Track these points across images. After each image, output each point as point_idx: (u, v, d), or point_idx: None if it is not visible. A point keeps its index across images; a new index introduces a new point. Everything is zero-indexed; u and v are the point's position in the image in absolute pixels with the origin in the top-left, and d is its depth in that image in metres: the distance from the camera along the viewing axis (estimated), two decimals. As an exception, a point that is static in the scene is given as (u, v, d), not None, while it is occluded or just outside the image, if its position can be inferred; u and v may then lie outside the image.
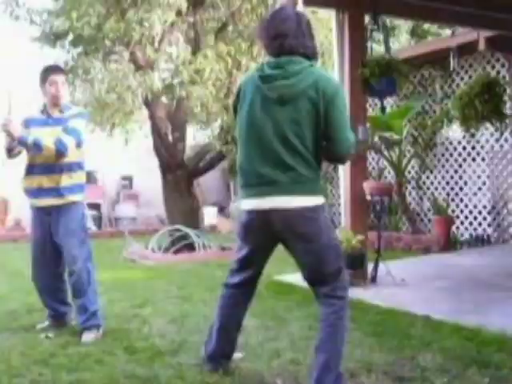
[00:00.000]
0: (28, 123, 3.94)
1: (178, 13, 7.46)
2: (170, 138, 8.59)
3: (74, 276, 3.81)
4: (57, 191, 3.80)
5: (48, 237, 3.85)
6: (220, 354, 3.01)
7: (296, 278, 5.29)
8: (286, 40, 2.66)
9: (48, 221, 3.84)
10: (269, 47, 2.74)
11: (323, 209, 2.68)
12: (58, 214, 3.81)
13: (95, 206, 12.00)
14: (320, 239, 2.63)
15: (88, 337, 3.70)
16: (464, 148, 8.09)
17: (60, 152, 3.71)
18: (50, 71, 3.97)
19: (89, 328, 3.76)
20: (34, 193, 3.84)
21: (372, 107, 8.54)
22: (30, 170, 3.86)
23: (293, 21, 2.69)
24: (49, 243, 3.87)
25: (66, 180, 3.81)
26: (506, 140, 7.62)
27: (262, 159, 2.63)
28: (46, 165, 3.78)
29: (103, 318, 3.90)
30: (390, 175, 8.72)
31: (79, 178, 3.89)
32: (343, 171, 5.52)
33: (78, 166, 3.90)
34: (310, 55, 2.72)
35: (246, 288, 2.96)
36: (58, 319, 4.05)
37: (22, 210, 11.12)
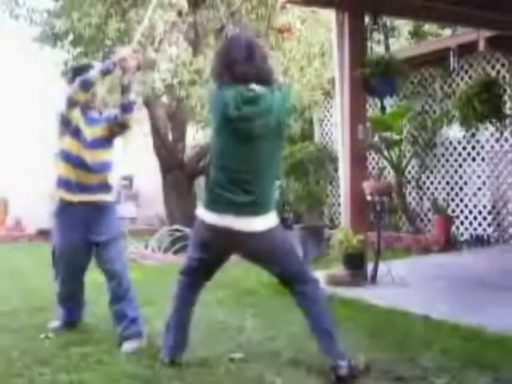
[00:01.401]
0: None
1: (179, 13, 7.47)
2: (170, 137, 8.59)
3: (114, 280, 3.66)
4: (106, 188, 3.73)
5: (84, 237, 3.72)
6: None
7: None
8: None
9: (85, 219, 3.68)
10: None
11: None
12: (99, 212, 3.70)
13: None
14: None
15: (128, 347, 3.48)
16: (464, 148, 8.08)
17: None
18: (82, 70, 3.68)
19: (129, 337, 3.55)
20: (81, 188, 3.66)
21: (372, 107, 8.54)
22: (83, 164, 3.64)
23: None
24: (84, 244, 3.74)
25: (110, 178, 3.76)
26: (506, 140, 7.62)
27: None
28: (98, 162, 3.67)
29: (144, 324, 3.72)
30: (389, 175, 8.72)
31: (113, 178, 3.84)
32: (343, 171, 5.53)
33: (112, 165, 3.82)
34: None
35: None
36: (73, 320, 3.98)
37: (21, 209, 11.15)
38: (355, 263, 5.16)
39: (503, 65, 7.57)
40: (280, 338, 3.59)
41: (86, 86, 3.45)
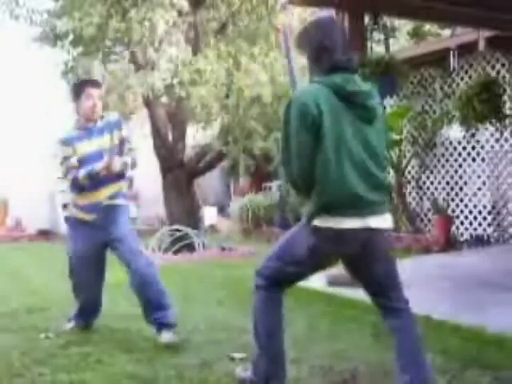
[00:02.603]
0: (69, 141, 3.75)
1: (179, 13, 7.47)
2: (170, 138, 8.60)
3: (137, 272, 3.64)
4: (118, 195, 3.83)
5: (98, 239, 3.77)
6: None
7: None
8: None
9: (97, 223, 3.74)
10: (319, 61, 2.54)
11: None
12: (109, 212, 3.75)
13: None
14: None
15: (168, 336, 3.50)
16: (464, 148, 8.08)
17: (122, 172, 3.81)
18: (85, 85, 3.79)
19: (167, 325, 3.55)
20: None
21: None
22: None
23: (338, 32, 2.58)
24: (99, 247, 3.79)
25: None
26: (506, 140, 7.62)
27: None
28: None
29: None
30: (389, 175, 8.72)
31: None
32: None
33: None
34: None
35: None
36: (89, 321, 3.98)
37: (21, 210, 11.16)
38: (355, 263, 5.15)
39: (503, 65, 7.57)
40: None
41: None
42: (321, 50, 2.51)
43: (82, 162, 3.66)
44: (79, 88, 3.77)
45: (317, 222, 2.47)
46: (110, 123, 3.79)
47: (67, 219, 3.94)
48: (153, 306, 3.61)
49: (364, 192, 2.44)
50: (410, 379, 2.46)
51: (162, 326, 3.57)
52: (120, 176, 3.81)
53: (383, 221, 2.54)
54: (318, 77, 2.52)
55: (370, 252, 2.55)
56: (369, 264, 2.59)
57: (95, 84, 3.85)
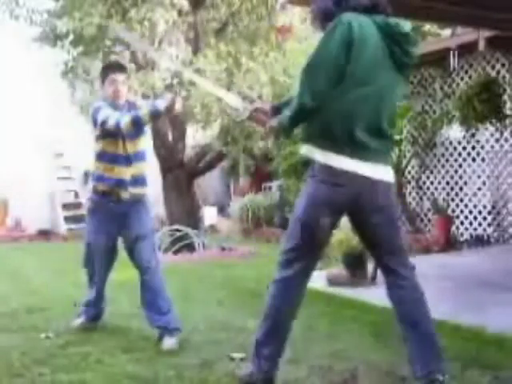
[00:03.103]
0: (104, 106, 3.59)
1: (179, 13, 7.47)
2: (170, 137, 8.59)
3: (147, 275, 3.66)
4: (142, 181, 3.73)
5: (117, 233, 3.76)
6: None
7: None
8: None
9: (119, 215, 3.69)
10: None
11: None
12: (134, 206, 3.70)
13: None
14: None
15: (170, 343, 3.48)
16: (464, 148, 8.08)
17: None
18: (109, 70, 3.70)
19: (170, 332, 3.55)
20: (126, 182, 3.65)
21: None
22: (115, 159, 3.64)
23: None
24: (115, 238, 3.78)
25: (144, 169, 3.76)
26: (506, 140, 7.61)
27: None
28: (133, 153, 3.66)
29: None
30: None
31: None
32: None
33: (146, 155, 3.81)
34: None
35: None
36: (97, 316, 4.00)
37: (22, 210, 11.16)
38: (355, 263, 5.16)
39: (503, 65, 7.57)
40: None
41: (119, 127, 3.41)
42: None
43: None
44: (103, 73, 3.70)
45: (317, 156, 2.45)
46: (135, 106, 3.70)
47: (89, 201, 3.86)
48: (156, 309, 3.62)
49: (367, 137, 2.41)
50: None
51: (164, 330, 3.56)
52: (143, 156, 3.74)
53: (385, 172, 2.50)
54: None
55: (370, 203, 2.48)
56: (369, 218, 2.54)
57: (119, 68, 3.75)
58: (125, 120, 3.37)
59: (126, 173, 3.64)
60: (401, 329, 2.60)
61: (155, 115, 3.36)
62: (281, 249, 2.66)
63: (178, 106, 3.30)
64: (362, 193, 2.47)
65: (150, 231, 3.76)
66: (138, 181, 3.70)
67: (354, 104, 2.41)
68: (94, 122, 3.61)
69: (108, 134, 3.57)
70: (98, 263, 3.86)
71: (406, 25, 2.47)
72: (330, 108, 2.42)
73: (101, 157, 3.68)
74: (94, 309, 3.99)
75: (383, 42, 2.42)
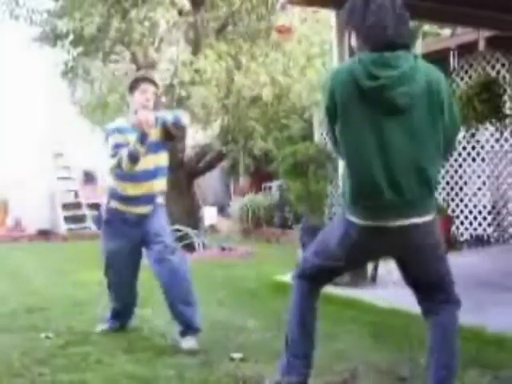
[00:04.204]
0: (123, 130, 3.66)
1: (179, 12, 7.48)
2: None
3: (171, 277, 3.59)
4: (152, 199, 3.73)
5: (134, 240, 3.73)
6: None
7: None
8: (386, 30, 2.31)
9: (134, 223, 3.69)
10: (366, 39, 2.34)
11: None
12: (148, 216, 3.70)
13: (95, 206, 11.99)
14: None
15: (190, 343, 3.43)
16: (464, 148, 8.08)
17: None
18: (141, 80, 3.76)
19: (190, 333, 3.49)
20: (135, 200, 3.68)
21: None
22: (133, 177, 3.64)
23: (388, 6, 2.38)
24: (133, 247, 3.76)
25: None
26: (506, 140, 7.61)
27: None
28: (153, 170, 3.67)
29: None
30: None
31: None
32: (343, 171, 5.52)
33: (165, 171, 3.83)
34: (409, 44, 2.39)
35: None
36: (124, 322, 3.94)
37: (22, 210, 11.16)
38: (355, 263, 5.15)
39: (503, 65, 7.56)
40: (280, 338, 3.57)
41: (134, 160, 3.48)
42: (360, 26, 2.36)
43: None
44: (134, 83, 3.74)
45: (346, 214, 2.41)
46: (160, 119, 3.68)
47: (105, 212, 3.86)
48: (180, 303, 3.56)
49: (385, 193, 2.27)
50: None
51: (186, 328, 3.50)
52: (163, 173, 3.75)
53: (414, 218, 2.36)
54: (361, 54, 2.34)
55: (404, 248, 2.42)
56: (410, 262, 2.49)
57: (151, 81, 3.82)
58: (124, 159, 3.47)
59: (139, 190, 3.65)
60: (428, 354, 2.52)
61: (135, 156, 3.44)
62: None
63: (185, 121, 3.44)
64: (379, 241, 2.41)
65: (166, 228, 3.73)
66: (148, 199, 3.69)
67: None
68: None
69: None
70: (119, 271, 3.81)
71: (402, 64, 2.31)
72: None
73: (115, 174, 3.70)
74: (121, 319, 3.93)
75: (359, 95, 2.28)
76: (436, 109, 2.32)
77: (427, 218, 2.42)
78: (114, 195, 3.76)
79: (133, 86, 3.73)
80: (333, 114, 2.34)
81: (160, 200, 3.76)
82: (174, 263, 3.56)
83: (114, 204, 3.75)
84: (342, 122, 2.32)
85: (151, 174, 3.66)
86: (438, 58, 7.77)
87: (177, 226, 8.03)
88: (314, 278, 2.66)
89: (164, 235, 3.64)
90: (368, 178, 2.29)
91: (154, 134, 3.61)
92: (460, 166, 8.14)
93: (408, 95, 2.25)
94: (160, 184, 3.74)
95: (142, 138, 3.44)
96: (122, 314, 3.92)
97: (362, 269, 5.19)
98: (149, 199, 3.68)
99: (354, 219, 2.38)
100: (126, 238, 3.70)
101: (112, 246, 3.78)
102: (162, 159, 3.74)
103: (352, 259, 2.56)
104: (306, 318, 2.64)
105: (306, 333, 2.62)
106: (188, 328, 3.51)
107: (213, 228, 10.98)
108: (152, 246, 3.62)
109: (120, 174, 3.63)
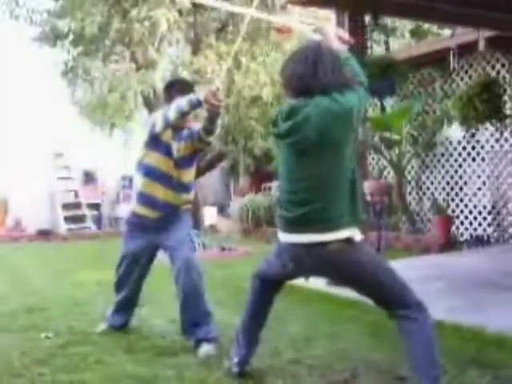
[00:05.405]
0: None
1: (179, 12, 7.48)
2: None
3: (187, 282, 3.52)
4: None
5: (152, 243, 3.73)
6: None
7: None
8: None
9: (156, 228, 3.65)
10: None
11: None
12: (171, 221, 3.67)
13: (95, 206, 12.01)
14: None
15: (207, 349, 3.37)
16: (464, 148, 8.08)
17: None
18: (179, 87, 3.66)
19: (209, 340, 3.45)
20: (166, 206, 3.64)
21: (372, 107, 8.54)
22: (173, 183, 3.62)
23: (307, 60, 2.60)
24: (149, 250, 3.77)
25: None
26: (506, 140, 7.61)
27: None
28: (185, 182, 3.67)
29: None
30: (389, 175, 8.71)
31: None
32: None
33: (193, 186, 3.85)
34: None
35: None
36: (124, 321, 3.91)
37: (21, 210, 11.17)
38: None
39: (503, 65, 7.56)
40: (280, 338, 3.59)
41: (169, 121, 3.41)
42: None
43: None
44: (170, 89, 3.67)
45: None
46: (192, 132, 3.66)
47: (130, 214, 3.83)
48: (194, 320, 3.52)
49: (291, 213, 2.62)
50: None
51: (201, 340, 3.46)
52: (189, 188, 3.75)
53: (320, 236, 2.54)
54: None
55: (328, 267, 2.63)
56: (344, 278, 2.75)
57: (189, 86, 3.74)
58: (171, 112, 3.38)
59: (178, 200, 3.64)
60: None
61: (194, 104, 3.32)
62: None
63: (217, 97, 3.27)
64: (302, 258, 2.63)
65: (187, 238, 3.68)
66: (173, 208, 3.66)
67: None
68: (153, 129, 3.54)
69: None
70: (130, 268, 3.79)
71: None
72: None
73: (151, 172, 3.63)
74: (121, 315, 3.90)
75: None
76: (335, 146, 2.56)
77: (331, 237, 2.55)
78: (140, 198, 3.69)
79: (171, 91, 3.65)
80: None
81: (186, 209, 3.74)
82: (193, 279, 3.52)
83: (138, 207, 3.70)
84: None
85: (182, 187, 3.65)
86: (437, 58, 7.81)
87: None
88: (263, 280, 2.94)
89: (186, 245, 3.60)
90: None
91: (185, 149, 3.61)
92: (460, 166, 8.14)
93: (304, 141, 2.56)
94: (189, 197, 3.75)
95: (198, 102, 3.30)
96: (123, 308, 3.89)
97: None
98: (173, 208, 3.65)
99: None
100: (145, 241, 3.69)
101: (130, 245, 3.76)
102: (191, 175, 3.76)
103: (288, 272, 2.78)
104: (256, 312, 2.98)
105: (256, 324, 2.98)
106: (202, 340, 3.46)
107: (213, 228, 10.98)
108: (173, 256, 3.60)
109: (155, 175, 3.60)
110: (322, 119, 2.50)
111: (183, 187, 3.67)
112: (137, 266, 3.78)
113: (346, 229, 2.54)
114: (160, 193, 3.59)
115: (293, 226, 2.63)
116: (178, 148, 3.60)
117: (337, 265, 2.60)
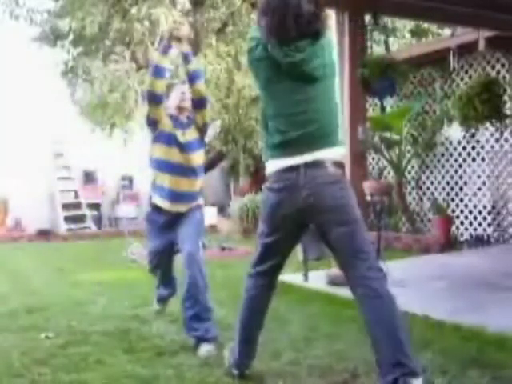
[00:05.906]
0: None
1: (180, 12, 7.48)
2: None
3: (191, 278, 3.57)
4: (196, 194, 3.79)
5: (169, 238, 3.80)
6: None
7: (296, 277, 5.29)
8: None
9: (172, 222, 3.75)
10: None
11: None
12: (186, 215, 3.74)
13: (95, 206, 12.01)
14: None
15: (207, 349, 3.37)
16: (464, 148, 8.08)
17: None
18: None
19: (208, 339, 3.46)
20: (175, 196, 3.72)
21: (372, 107, 8.54)
22: (180, 168, 3.69)
23: None
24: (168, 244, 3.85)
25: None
26: (506, 140, 7.62)
27: None
28: (193, 165, 3.72)
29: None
30: (389, 175, 8.72)
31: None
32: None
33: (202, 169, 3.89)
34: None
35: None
36: (171, 292, 4.17)
37: (21, 210, 11.17)
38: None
39: (503, 65, 7.57)
40: (280, 338, 3.59)
41: (158, 72, 3.56)
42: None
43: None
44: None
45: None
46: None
47: (150, 209, 3.91)
48: (193, 313, 3.56)
49: (294, 133, 2.66)
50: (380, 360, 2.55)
51: (201, 339, 3.48)
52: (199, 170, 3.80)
53: (321, 153, 2.64)
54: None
55: (319, 197, 2.61)
56: (327, 213, 2.64)
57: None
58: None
59: (185, 185, 3.70)
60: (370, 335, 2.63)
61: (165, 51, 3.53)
62: None
63: (182, 31, 3.52)
64: (294, 189, 2.64)
65: (195, 234, 3.71)
66: (194, 194, 3.75)
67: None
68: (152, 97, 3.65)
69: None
70: (159, 260, 3.97)
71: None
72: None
73: (160, 165, 3.71)
74: (166, 288, 4.17)
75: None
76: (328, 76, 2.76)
77: (332, 152, 2.69)
78: (154, 190, 3.80)
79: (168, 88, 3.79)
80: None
81: (199, 199, 3.81)
82: (194, 273, 3.58)
83: (156, 199, 3.79)
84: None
85: (192, 171, 3.70)
86: (437, 58, 7.81)
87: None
88: (258, 272, 2.96)
89: (191, 240, 3.63)
90: None
91: (190, 134, 3.70)
92: (460, 166, 8.14)
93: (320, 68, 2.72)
94: (199, 182, 3.81)
95: (165, 50, 3.53)
96: (165, 283, 4.13)
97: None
98: (188, 197, 3.73)
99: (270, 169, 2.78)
100: (164, 239, 3.82)
101: (156, 242, 3.90)
102: (200, 158, 3.80)
103: (280, 229, 2.86)
104: (253, 311, 2.97)
105: (254, 324, 2.96)
106: (202, 340, 3.47)
107: (213, 228, 10.98)
108: (180, 248, 3.67)
109: (164, 167, 3.68)
110: (329, 48, 2.75)
111: (193, 172, 3.72)
112: (164, 255, 3.94)
113: (340, 146, 2.76)
114: (171, 183, 3.67)
115: (296, 146, 2.66)
116: (183, 134, 3.68)
117: (327, 195, 2.62)
